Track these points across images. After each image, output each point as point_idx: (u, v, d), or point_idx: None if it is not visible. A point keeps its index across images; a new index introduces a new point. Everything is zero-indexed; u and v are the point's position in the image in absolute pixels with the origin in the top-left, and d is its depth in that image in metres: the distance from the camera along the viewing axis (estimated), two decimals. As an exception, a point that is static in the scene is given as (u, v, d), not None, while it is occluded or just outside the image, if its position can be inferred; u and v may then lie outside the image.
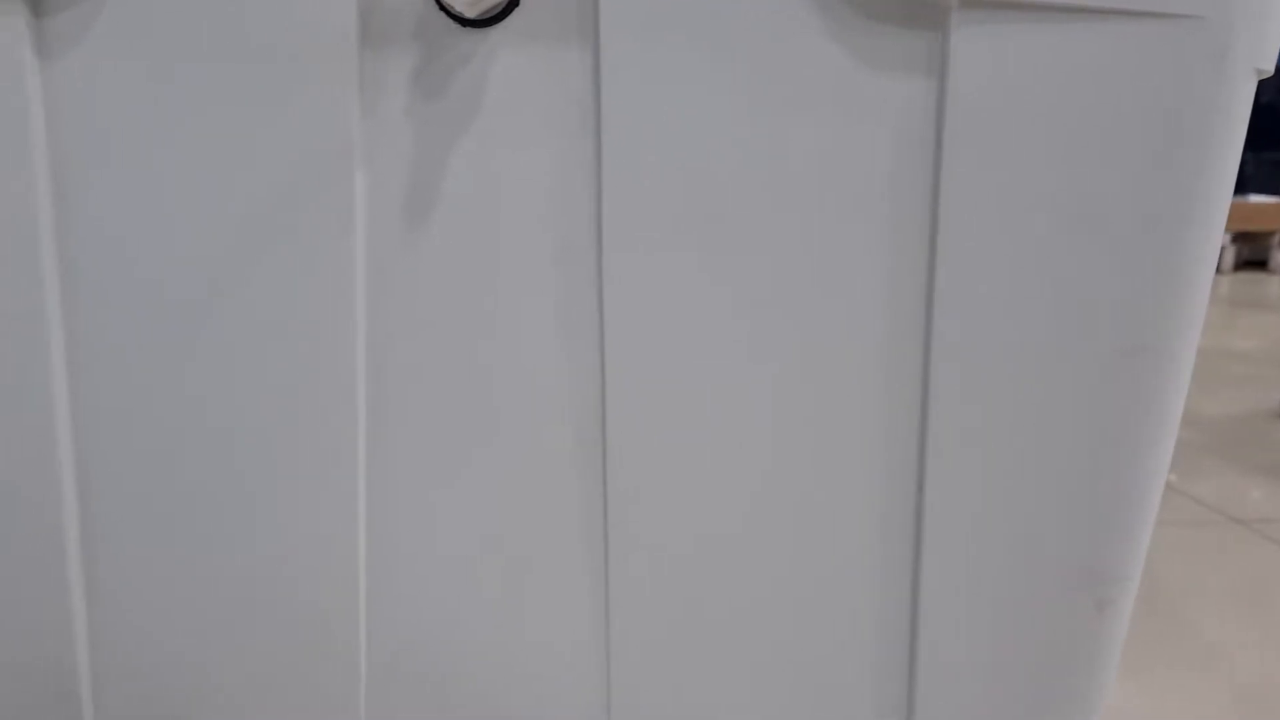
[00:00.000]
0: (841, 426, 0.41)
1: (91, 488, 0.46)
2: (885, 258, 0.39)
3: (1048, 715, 0.42)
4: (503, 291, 0.42)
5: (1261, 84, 0.39)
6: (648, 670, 0.44)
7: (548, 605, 0.44)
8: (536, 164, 0.41)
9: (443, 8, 0.39)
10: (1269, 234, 4.26)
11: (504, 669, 0.45)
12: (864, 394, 0.40)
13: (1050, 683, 0.41)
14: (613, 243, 0.41)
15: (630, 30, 0.39)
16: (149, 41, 0.41)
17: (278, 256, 0.42)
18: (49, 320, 0.44)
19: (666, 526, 0.43)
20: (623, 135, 0.40)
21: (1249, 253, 4.30)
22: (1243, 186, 3.89)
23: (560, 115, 0.40)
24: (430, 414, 0.43)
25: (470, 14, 0.38)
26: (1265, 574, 1.04)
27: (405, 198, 0.42)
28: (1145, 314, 0.39)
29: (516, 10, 0.39)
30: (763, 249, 0.40)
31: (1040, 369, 0.39)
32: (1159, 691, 0.80)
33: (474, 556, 0.44)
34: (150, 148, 0.42)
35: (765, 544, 0.42)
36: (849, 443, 0.41)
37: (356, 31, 0.39)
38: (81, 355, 0.45)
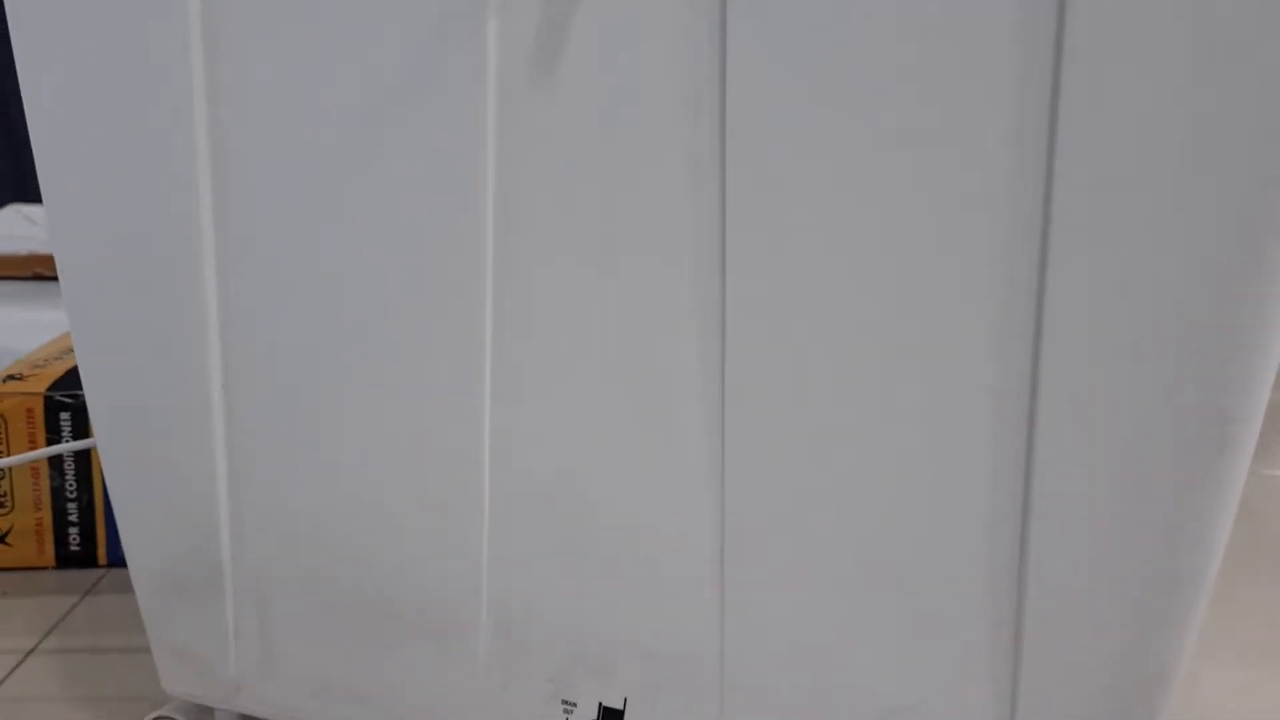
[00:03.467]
0: (960, 270, 0.41)
1: (234, 334, 0.48)
2: (1012, 101, 0.40)
3: (1167, 560, 0.42)
4: (629, 142, 0.43)
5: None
6: (760, 514, 0.45)
7: (669, 452, 0.45)
8: (663, 12, 0.42)
9: None
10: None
11: (624, 513, 0.46)
12: (987, 238, 0.41)
13: (1171, 526, 0.41)
14: (737, 92, 0.42)
15: (759, -128, 0.40)
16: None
17: (413, 108, 0.44)
18: (199, 177, 0.47)
19: (781, 373, 0.44)
20: (749, -23, 0.41)
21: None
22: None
23: (688, -41, 0.41)
24: (557, 261, 0.45)
25: None
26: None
27: (535, 48, 0.43)
28: None
29: None
30: (888, 95, 0.41)
31: (1174, 203, 0.39)
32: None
33: (599, 402, 0.46)
34: (293, 3, 0.44)
35: (876, 379, 0.43)
36: (967, 287, 0.41)
37: (494, -119, 0.41)
38: (229, 208, 0.47)
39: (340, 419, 0.48)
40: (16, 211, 1.46)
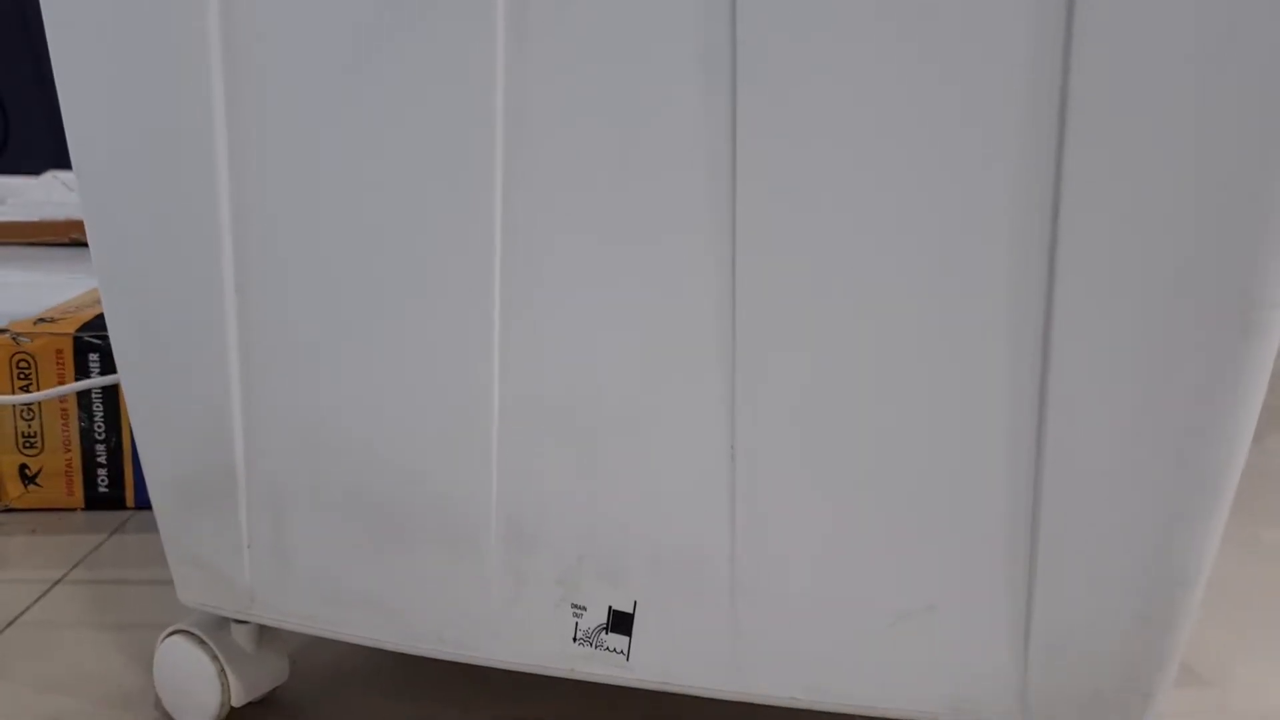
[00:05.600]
0: (978, 149, 0.40)
1: (246, 236, 0.48)
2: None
3: (1190, 453, 0.41)
4: (639, 40, 0.42)
5: None
6: (770, 414, 0.44)
7: (678, 353, 0.45)
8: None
9: None
10: None
11: (633, 415, 0.46)
12: (1005, 126, 0.40)
13: (1194, 417, 0.40)
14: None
15: None
16: None
17: (424, 11, 0.44)
18: (213, 78, 0.47)
19: (793, 271, 0.43)
20: None
21: None
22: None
23: None
24: (566, 166, 0.44)
25: None
26: None
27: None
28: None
29: None
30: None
31: (1194, 82, 0.38)
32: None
33: (608, 306, 0.45)
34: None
35: (891, 275, 0.42)
36: (985, 164, 0.40)
37: None
38: (242, 111, 0.47)
39: (352, 325, 0.48)
40: (55, 178, 1.48)
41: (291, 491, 0.51)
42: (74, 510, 0.88)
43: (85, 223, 0.51)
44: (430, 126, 0.45)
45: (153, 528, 0.57)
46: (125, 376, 0.53)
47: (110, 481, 0.88)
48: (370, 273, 0.47)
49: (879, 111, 0.41)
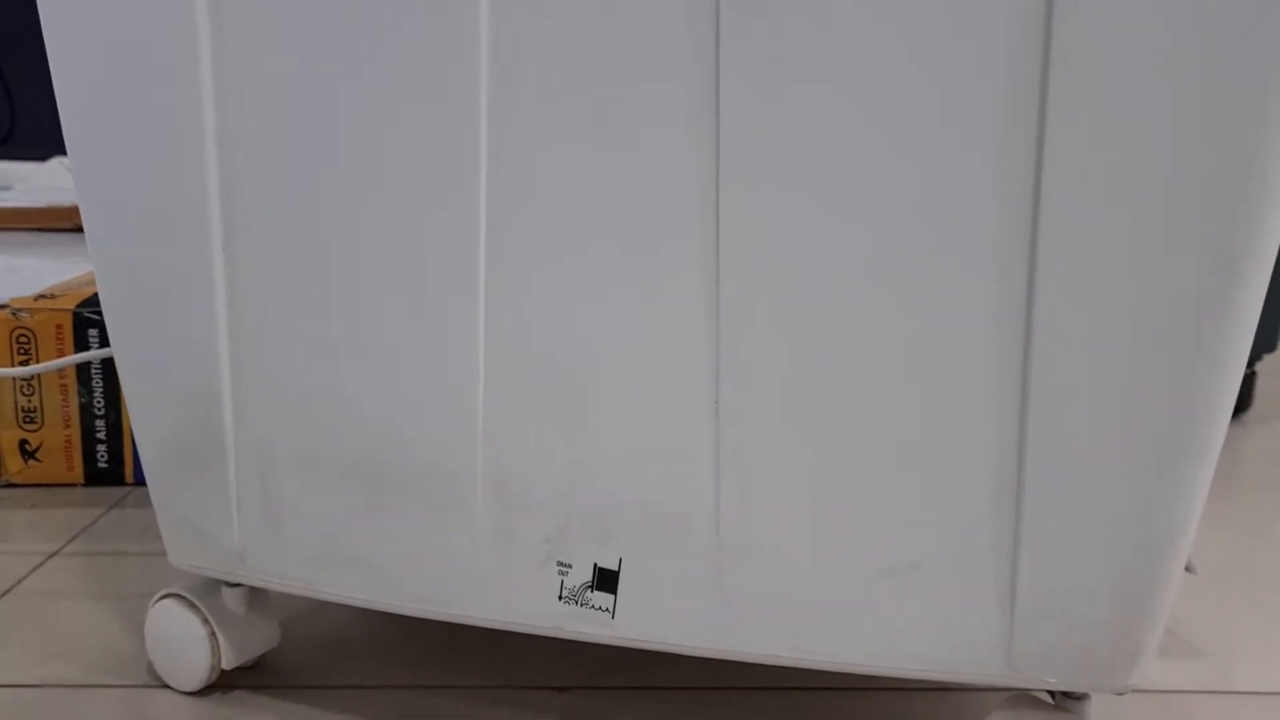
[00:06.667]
0: (961, 120, 0.40)
1: (234, 194, 0.48)
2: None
3: (1176, 409, 0.40)
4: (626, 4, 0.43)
5: None
6: (756, 372, 0.44)
7: (663, 311, 0.45)
8: None
9: None
10: None
11: (619, 374, 0.46)
12: (987, 99, 0.40)
13: (1180, 372, 0.40)
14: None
15: None
16: None
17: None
18: (201, 48, 0.47)
19: (778, 229, 0.43)
20: None
21: None
22: None
23: None
24: (554, 129, 0.44)
25: None
26: None
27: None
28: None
29: None
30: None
31: (1176, 37, 0.38)
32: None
33: (593, 265, 0.45)
34: None
35: (877, 232, 0.42)
36: (968, 138, 0.40)
37: None
38: (226, 67, 0.47)
39: (339, 289, 0.48)
40: (60, 164, 1.48)
41: (279, 453, 0.51)
42: (73, 485, 0.88)
43: (77, 191, 0.51)
44: (417, 94, 0.45)
45: (151, 503, 0.57)
46: (116, 338, 0.53)
47: (110, 457, 0.88)
48: (357, 235, 0.47)
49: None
